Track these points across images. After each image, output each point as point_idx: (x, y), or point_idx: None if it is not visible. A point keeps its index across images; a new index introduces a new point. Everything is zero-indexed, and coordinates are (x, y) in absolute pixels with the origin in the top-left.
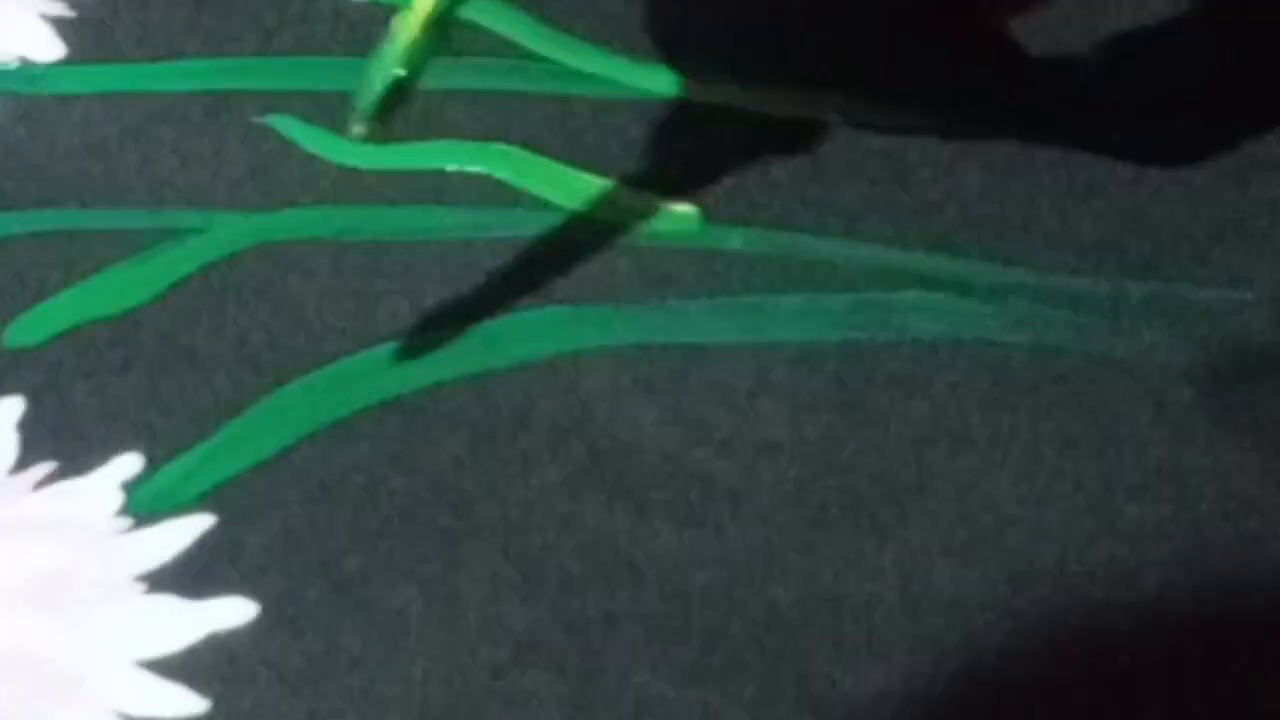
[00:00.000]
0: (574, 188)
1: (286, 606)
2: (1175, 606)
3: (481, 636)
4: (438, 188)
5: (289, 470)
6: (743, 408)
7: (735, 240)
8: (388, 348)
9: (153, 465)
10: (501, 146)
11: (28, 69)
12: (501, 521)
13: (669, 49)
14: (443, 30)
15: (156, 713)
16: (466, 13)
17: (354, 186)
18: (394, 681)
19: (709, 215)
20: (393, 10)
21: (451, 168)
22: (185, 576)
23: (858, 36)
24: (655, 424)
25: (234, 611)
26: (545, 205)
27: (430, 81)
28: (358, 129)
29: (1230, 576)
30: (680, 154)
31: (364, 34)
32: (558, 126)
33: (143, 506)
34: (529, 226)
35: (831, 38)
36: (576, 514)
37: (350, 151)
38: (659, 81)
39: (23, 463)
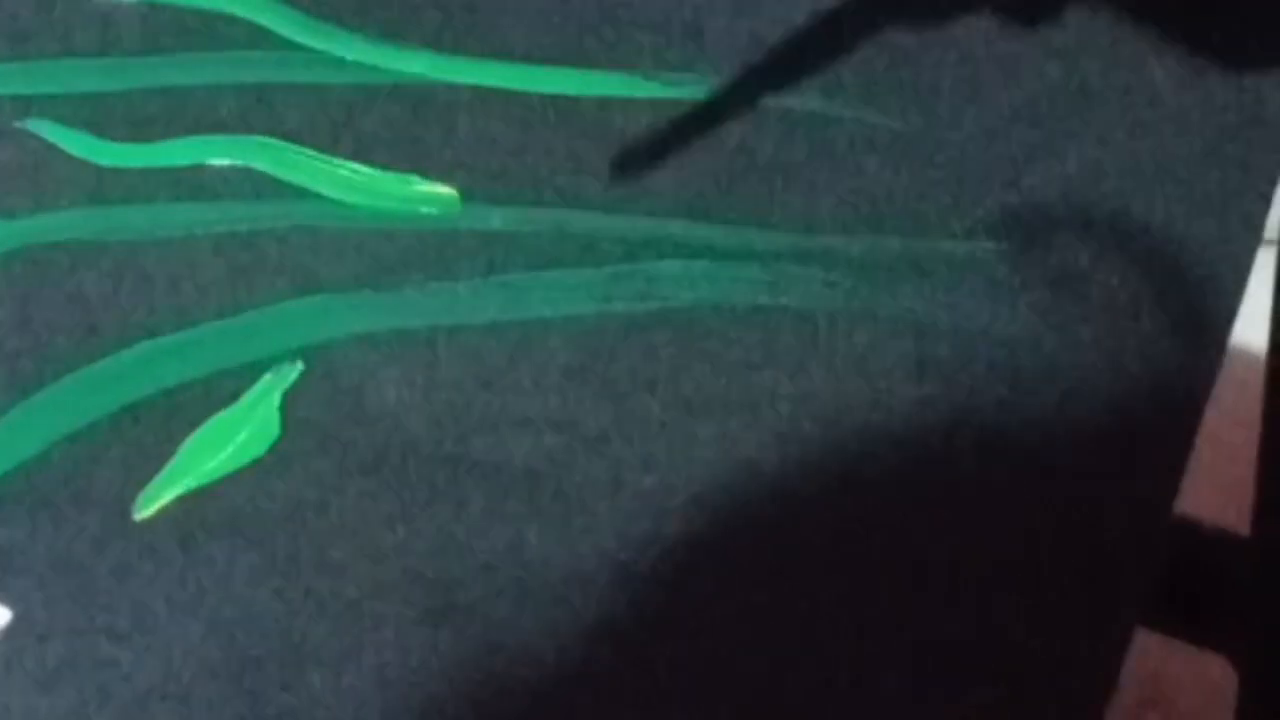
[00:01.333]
0: (334, 176)
1: (41, 610)
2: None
3: (237, 626)
4: (199, 183)
5: (44, 473)
6: (501, 385)
7: (495, 220)
8: (150, 345)
9: None
10: (261, 139)
11: None
12: (255, 512)
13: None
14: None
15: None
16: (224, 5)
17: (116, 186)
18: (158, 677)
19: (468, 196)
20: (152, 9)
21: (212, 162)
22: None
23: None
24: (413, 406)
25: None
26: (307, 195)
27: (190, 77)
28: None
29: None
30: (442, 136)
31: (122, 35)
32: (317, 115)
33: None
34: (291, 217)
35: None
36: (337, 499)
37: (112, 152)
38: (416, 65)
39: None
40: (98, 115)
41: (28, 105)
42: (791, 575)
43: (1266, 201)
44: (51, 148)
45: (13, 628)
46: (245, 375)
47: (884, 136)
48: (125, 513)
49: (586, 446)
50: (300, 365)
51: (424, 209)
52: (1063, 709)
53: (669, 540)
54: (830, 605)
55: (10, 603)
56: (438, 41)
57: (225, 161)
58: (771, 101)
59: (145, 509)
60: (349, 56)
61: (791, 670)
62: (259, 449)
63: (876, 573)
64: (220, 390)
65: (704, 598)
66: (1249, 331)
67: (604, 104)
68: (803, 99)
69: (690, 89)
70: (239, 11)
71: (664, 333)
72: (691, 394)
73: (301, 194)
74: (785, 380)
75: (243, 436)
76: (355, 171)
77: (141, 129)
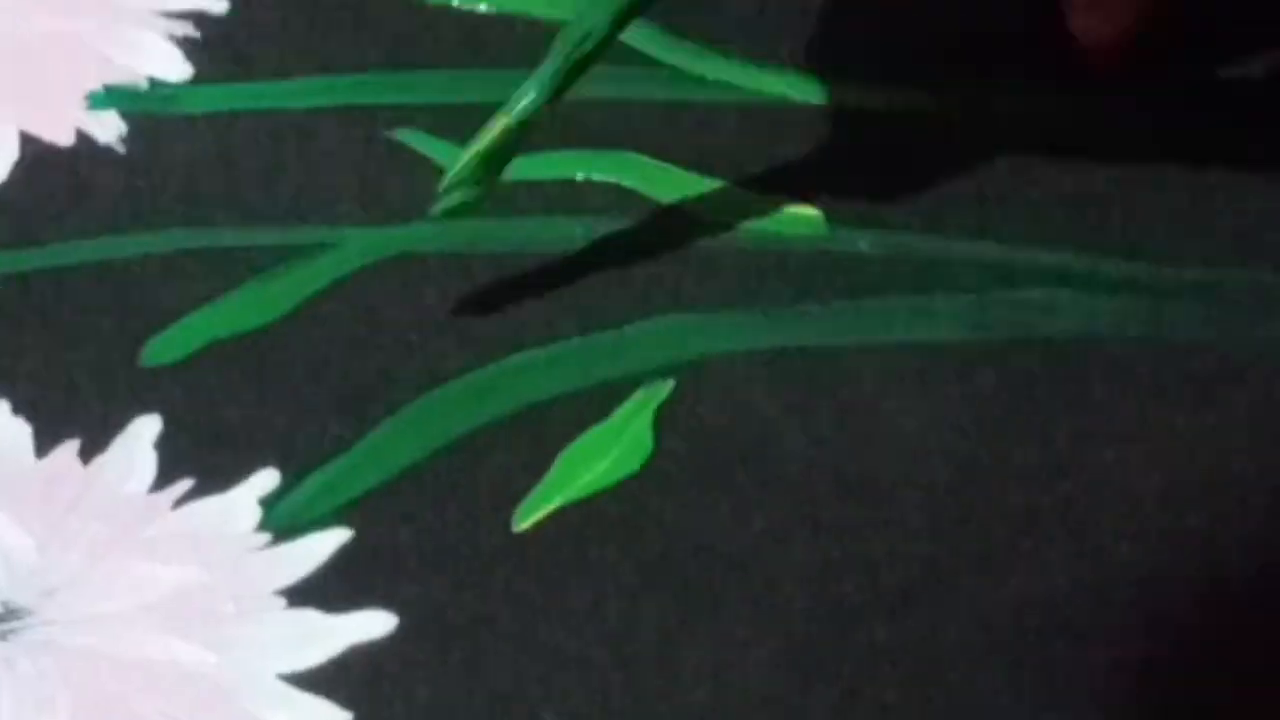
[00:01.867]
0: (700, 193)
1: (427, 617)
2: None
3: (616, 635)
4: (567, 197)
5: (425, 482)
6: (874, 410)
7: (861, 242)
8: (521, 357)
9: (290, 480)
10: (629, 154)
11: (157, 90)
12: (632, 526)
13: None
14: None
15: None
16: None
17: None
18: (537, 688)
19: (833, 218)
20: (514, 22)
21: (581, 176)
22: (325, 590)
23: (983, 34)
24: (788, 427)
25: (374, 624)
26: (675, 212)
27: None
28: (448, 200)
29: None
30: (805, 156)
31: (490, 44)
32: (683, 133)
33: (281, 522)
34: (660, 234)
35: (956, 35)
36: (713, 516)
37: None
38: (782, 86)
39: (161, 481)
40: (466, 126)
41: (397, 115)
42: None
43: None
44: (421, 158)
45: (403, 633)
46: (616, 391)
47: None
48: (506, 523)
49: (982, 472)
50: (672, 382)
51: (790, 230)
52: None
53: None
54: None
55: (397, 610)
56: (798, 61)
57: (593, 176)
58: (1151, 123)
59: (525, 520)
60: (709, 75)
61: None
62: (633, 464)
63: None
64: (592, 405)
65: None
66: None
67: (969, 125)
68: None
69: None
70: None
71: (1032, 360)
72: (1076, 426)
73: (669, 210)
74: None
75: (617, 452)
76: (723, 190)
77: None
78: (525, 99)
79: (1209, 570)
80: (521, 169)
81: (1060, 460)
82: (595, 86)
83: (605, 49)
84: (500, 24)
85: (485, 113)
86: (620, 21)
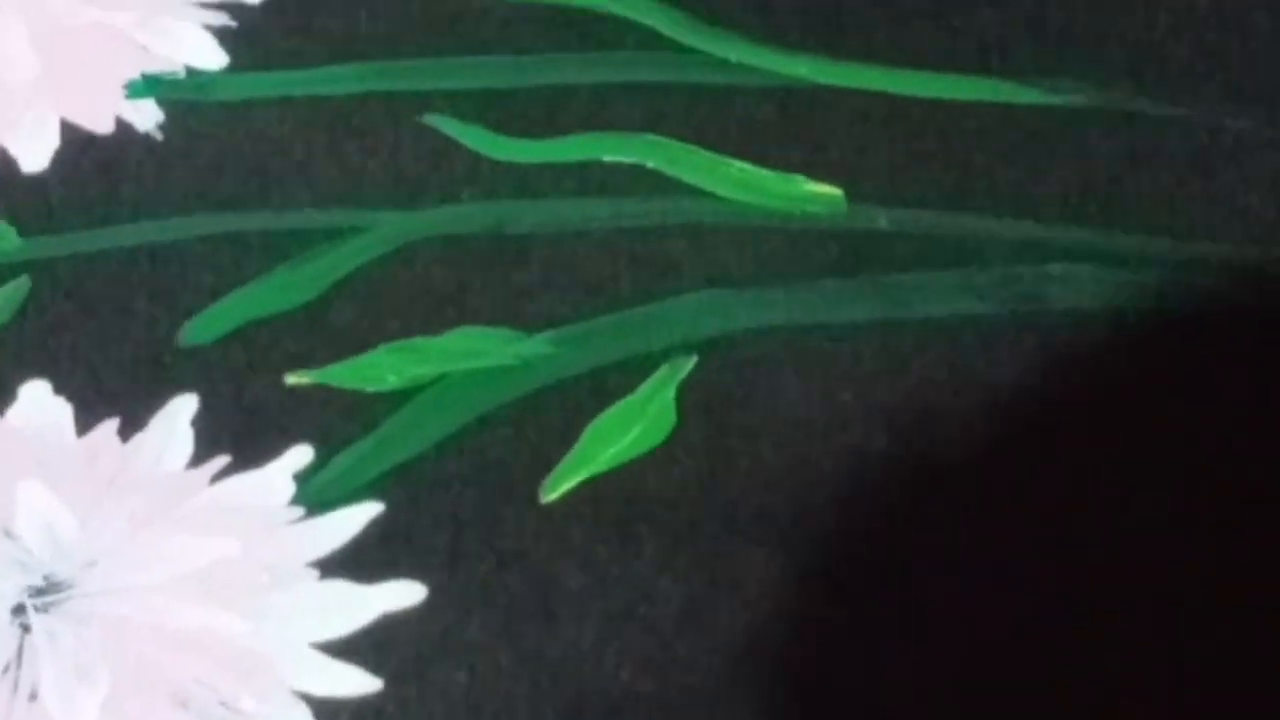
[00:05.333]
0: (724, 174)
1: (454, 588)
2: None
3: (640, 606)
4: (593, 179)
5: (455, 456)
6: (897, 383)
7: (881, 219)
8: (551, 335)
9: (323, 456)
10: (654, 137)
11: (193, 78)
12: (658, 498)
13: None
14: None
15: (333, 692)
16: (611, 6)
17: (512, 180)
18: (563, 658)
19: (853, 196)
20: (544, 9)
21: (607, 158)
22: (356, 562)
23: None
24: (808, 402)
25: (404, 594)
26: (696, 192)
27: (584, 75)
28: None
29: None
30: (826, 136)
31: (519, 30)
32: (706, 115)
33: (314, 496)
34: (683, 214)
35: (979, 21)
36: (738, 485)
37: (508, 147)
38: (802, 68)
39: (199, 457)
40: (493, 111)
41: (426, 100)
42: None
43: None
44: (450, 142)
45: (431, 603)
46: (641, 367)
47: (1264, 144)
48: (534, 495)
49: (1008, 441)
50: (695, 357)
51: (810, 208)
52: None
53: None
54: None
55: (425, 579)
56: (818, 45)
57: (618, 158)
58: (1151, 109)
59: (552, 492)
60: (733, 58)
61: None
62: (658, 437)
63: None
64: (618, 380)
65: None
66: None
67: (982, 109)
68: (1182, 109)
69: (1070, 95)
70: (625, 12)
71: (1048, 336)
72: (1066, 398)
73: (692, 191)
74: (1171, 384)
75: (642, 425)
76: (743, 170)
77: (536, 125)
78: None
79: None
80: (547, 152)
81: (1088, 428)
82: (620, 70)
83: None
84: (529, 10)
85: (514, 98)
86: None
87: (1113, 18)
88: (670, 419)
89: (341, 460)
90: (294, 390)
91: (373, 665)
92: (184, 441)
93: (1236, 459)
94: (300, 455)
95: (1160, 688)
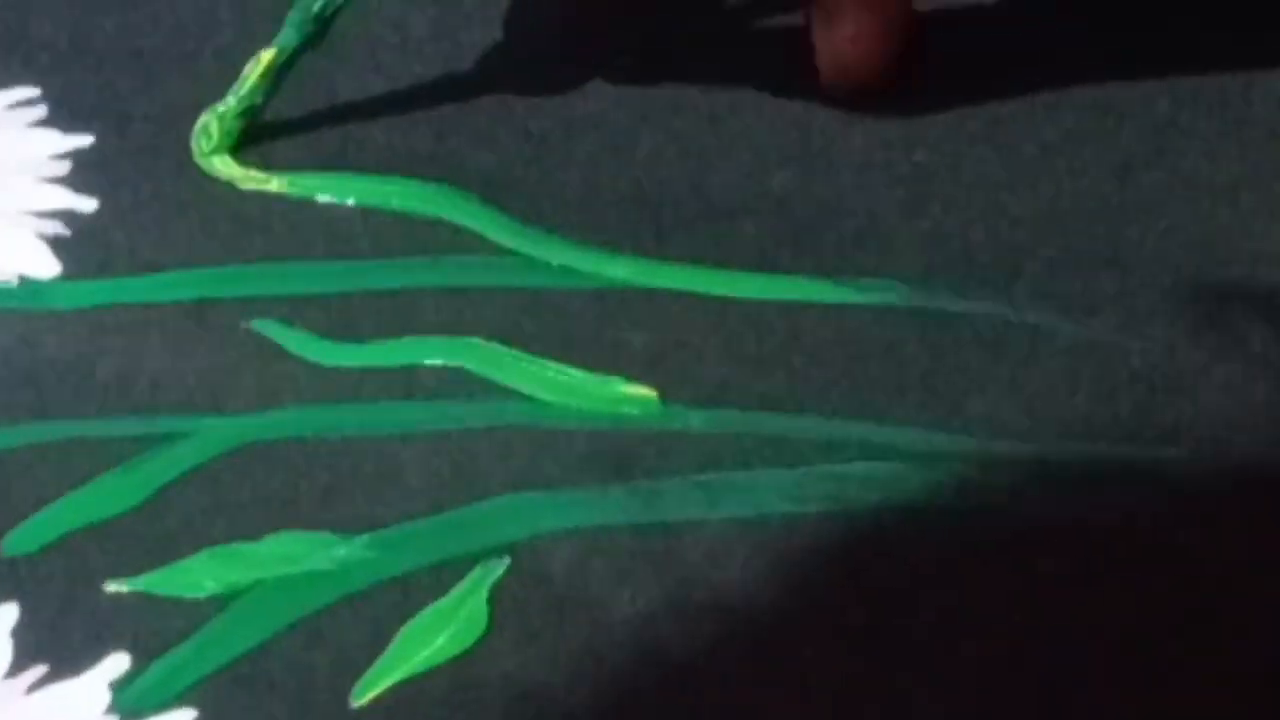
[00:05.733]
0: (541, 377)
1: None
2: None
3: None
4: (413, 382)
5: (268, 662)
6: (702, 582)
7: (694, 420)
8: (366, 539)
9: (139, 664)
10: (471, 340)
11: (26, 286)
12: (464, 702)
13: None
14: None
15: None
16: (439, 211)
17: (333, 384)
18: None
19: (667, 397)
20: (370, 214)
21: (427, 362)
22: None
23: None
24: (617, 601)
25: None
26: (515, 395)
27: (404, 279)
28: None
29: None
30: (644, 339)
31: (352, 237)
32: (524, 317)
33: (129, 705)
34: (500, 416)
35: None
36: (544, 690)
37: (331, 352)
38: (621, 270)
39: (16, 667)
40: (317, 316)
41: (254, 305)
42: None
43: None
44: (274, 347)
45: None
46: (454, 569)
47: (1066, 342)
48: (344, 699)
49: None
50: (507, 560)
51: (625, 409)
52: None
53: None
54: None
55: None
56: (639, 246)
57: (438, 361)
58: (956, 306)
59: (361, 696)
60: (555, 261)
61: None
62: (467, 640)
63: None
64: (431, 583)
65: None
66: None
67: (797, 308)
68: (987, 304)
69: (879, 294)
70: (453, 217)
71: (854, 533)
72: (885, 596)
73: (510, 394)
74: (969, 588)
75: (452, 628)
76: (560, 372)
77: (359, 330)
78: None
79: None
80: (370, 355)
81: (886, 621)
82: (443, 274)
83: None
84: (363, 217)
85: (344, 302)
86: None
87: (926, 218)
88: (482, 621)
89: (157, 667)
90: (114, 598)
91: None
92: (3, 652)
93: (1041, 660)
94: (118, 663)
95: None
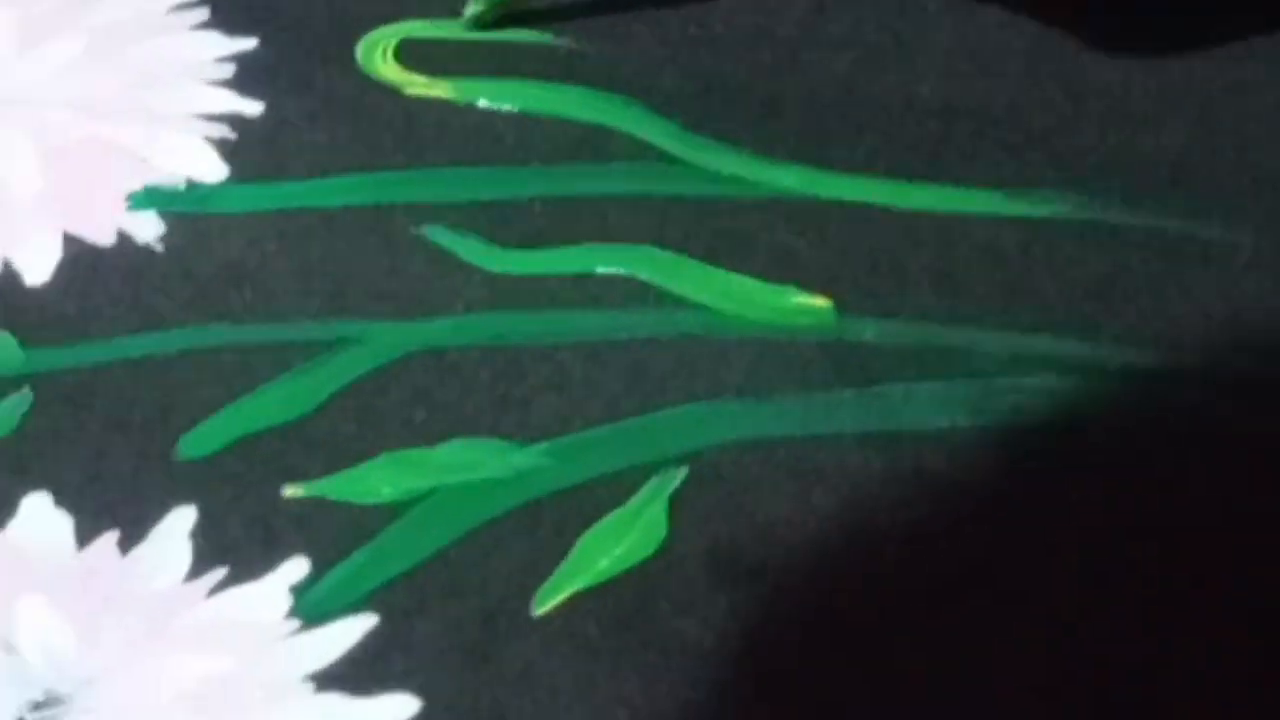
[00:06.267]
0: (715, 286)
1: (449, 700)
2: None
3: (635, 710)
4: (586, 290)
5: (448, 568)
6: (877, 494)
7: (869, 331)
8: (542, 448)
9: (319, 568)
10: (646, 248)
11: (194, 190)
12: (645, 610)
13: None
14: None
15: None
16: (612, 121)
17: (505, 292)
18: None
19: (842, 308)
20: (537, 122)
21: (599, 270)
22: (351, 675)
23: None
24: (793, 515)
25: (398, 707)
26: (688, 304)
27: (579, 187)
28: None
29: None
30: (817, 248)
31: (516, 142)
32: (697, 226)
33: (310, 609)
34: (675, 326)
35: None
36: (722, 600)
37: (503, 259)
38: (792, 180)
39: (195, 571)
40: (489, 222)
41: (423, 212)
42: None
43: None
44: (446, 254)
45: (425, 716)
46: (632, 479)
47: (1242, 255)
48: (525, 608)
49: (979, 560)
50: (685, 469)
51: (799, 320)
52: None
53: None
54: None
55: (419, 692)
56: (809, 157)
57: (611, 270)
58: (1129, 218)
59: (542, 604)
60: (725, 170)
61: None
62: (647, 549)
63: None
64: (609, 493)
65: None
66: None
67: (969, 219)
68: (1167, 217)
69: (1051, 206)
70: (621, 126)
71: (1032, 447)
72: (1054, 509)
73: (683, 303)
74: (1156, 501)
75: (632, 537)
76: (734, 282)
77: (531, 236)
78: None
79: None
80: (542, 263)
81: (1059, 548)
82: (615, 182)
83: None
84: (525, 122)
85: (508, 209)
86: None
87: (1097, 130)
88: (661, 530)
89: (337, 573)
90: (291, 502)
91: None
92: (182, 554)
93: (1229, 569)
94: (297, 567)
95: None
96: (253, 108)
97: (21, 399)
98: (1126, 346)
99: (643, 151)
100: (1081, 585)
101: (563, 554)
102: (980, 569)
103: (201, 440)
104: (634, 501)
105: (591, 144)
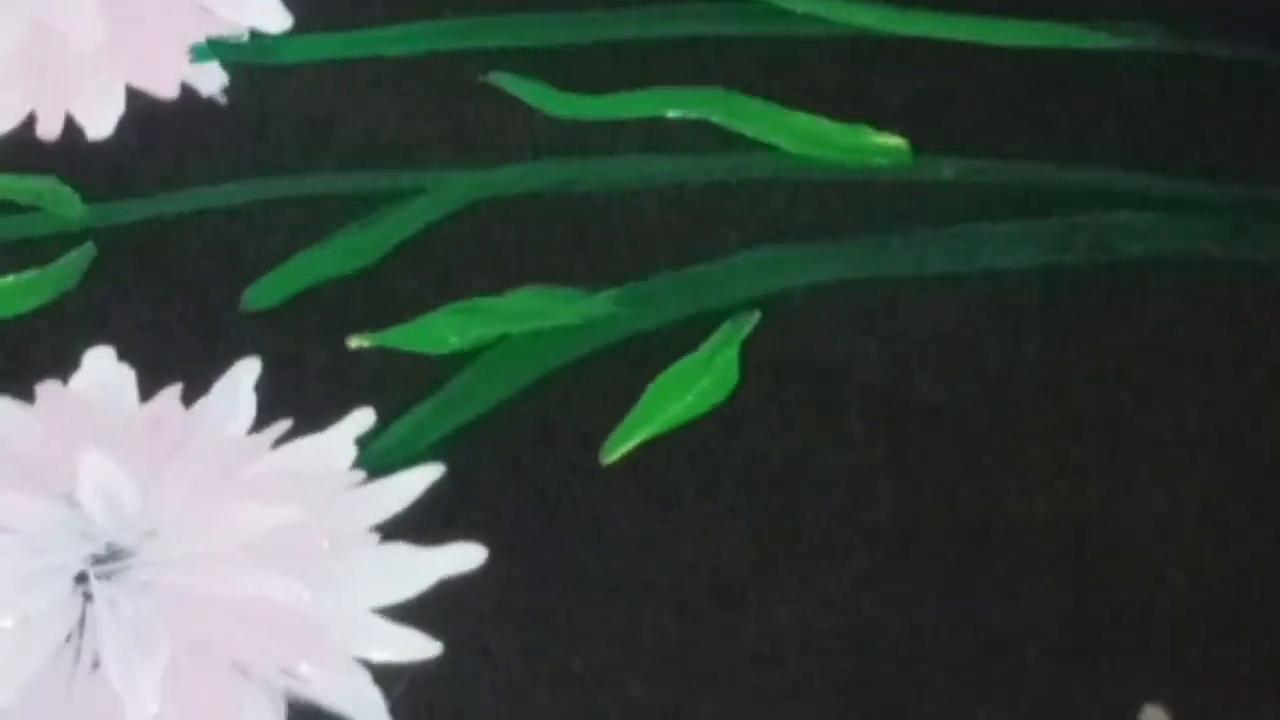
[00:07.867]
0: (789, 127)
1: (515, 550)
2: None
3: (703, 569)
4: (655, 134)
5: (515, 418)
6: (955, 338)
7: (946, 170)
8: (612, 294)
9: (384, 419)
10: (718, 90)
11: (256, 41)
12: (718, 457)
13: None
14: None
15: (393, 657)
16: None
17: (574, 138)
18: (626, 619)
19: (918, 146)
20: None
21: (671, 114)
22: (417, 525)
23: None
24: (870, 357)
25: (464, 557)
26: (760, 146)
27: (647, 30)
28: None
29: None
30: (891, 87)
31: None
32: (769, 67)
33: (376, 459)
34: (746, 169)
35: None
36: (796, 446)
37: (571, 104)
38: (867, 18)
39: (261, 422)
40: (556, 67)
41: (489, 58)
42: None
43: None
44: (512, 100)
45: (492, 565)
46: (704, 324)
47: None
48: (594, 456)
49: (1061, 396)
50: (757, 314)
51: (875, 160)
52: None
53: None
54: None
55: (486, 542)
56: None
57: (681, 113)
58: (1219, 51)
59: (612, 452)
60: (799, 9)
61: None
62: (719, 396)
63: None
64: (681, 338)
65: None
66: None
67: (1049, 54)
68: (1248, 47)
69: (1135, 38)
70: None
71: (1118, 284)
72: (1137, 348)
73: (756, 146)
74: (1233, 336)
75: (704, 383)
76: (807, 122)
77: (599, 82)
78: None
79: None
80: (611, 108)
81: (1137, 381)
82: (683, 24)
83: None
84: None
85: (576, 54)
86: None
87: None
88: (733, 377)
89: (403, 423)
90: (356, 353)
91: (433, 628)
92: (246, 406)
93: None
94: (362, 418)
95: None
96: None
97: (84, 253)
98: (1209, 180)
99: None
100: (1170, 413)
101: (633, 401)
102: (1064, 405)
103: (267, 291)
104: (705, 348)
105: None
